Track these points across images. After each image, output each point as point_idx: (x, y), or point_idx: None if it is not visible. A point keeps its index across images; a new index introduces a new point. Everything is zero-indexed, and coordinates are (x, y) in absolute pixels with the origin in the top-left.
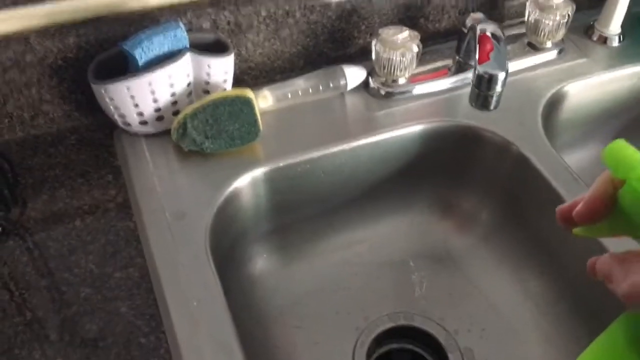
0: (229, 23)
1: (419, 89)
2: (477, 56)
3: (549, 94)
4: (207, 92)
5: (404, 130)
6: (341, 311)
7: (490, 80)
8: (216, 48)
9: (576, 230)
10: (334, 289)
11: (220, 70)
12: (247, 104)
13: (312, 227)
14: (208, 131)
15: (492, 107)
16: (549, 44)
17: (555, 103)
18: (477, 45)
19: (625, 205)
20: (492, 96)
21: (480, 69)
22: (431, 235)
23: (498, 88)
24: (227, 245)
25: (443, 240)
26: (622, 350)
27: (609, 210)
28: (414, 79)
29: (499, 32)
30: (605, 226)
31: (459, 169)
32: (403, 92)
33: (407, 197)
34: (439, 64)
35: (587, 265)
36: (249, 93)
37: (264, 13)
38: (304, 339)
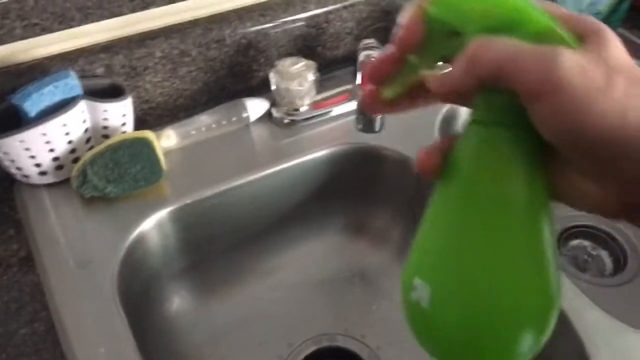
0: (123, 67)
1: (322, 115)
2: (359, 82)
3: (444, 110)
4: (106, 136)
5: (310, 156)
6: (264, 341)
7: None
8: (113, 92)
9: (386, 92)
10: (255, 319)
11: (118, 114)
12: (147, 145)
13: (229, 260)
14: (109, 175)
15: (377, 129)
16: (441, 62)
17: (450, 118)
18: (359, 71)
19: (438, 11)
20: (375, 119)
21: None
22: (347, 256)
23: None
24: (139, 288)
25: (358, 260)
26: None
27: (423, 29)
28: (316, 106)
29: None
30: (416, 62)
31: (367, 188)
32: (306, 119)
33: (320, 220)
34: (339, 89)
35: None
36: (148, 134)
37: (158, 54)
38: None
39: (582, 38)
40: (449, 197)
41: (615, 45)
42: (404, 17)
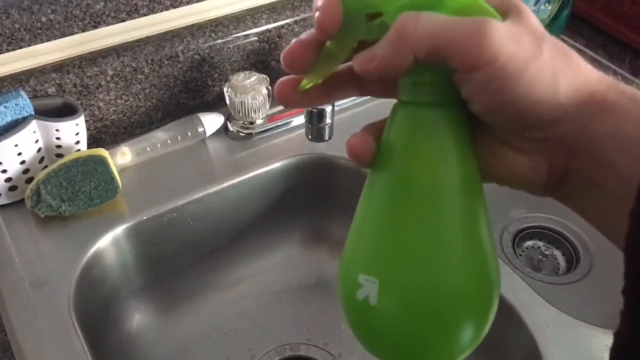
0: (75, 86)
1: (277, 127)
2: None
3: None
4: (60, 155)
5: (267, 168)
6: (228, 354)
7: (320, 114)
8: (65, 111)
9: (303, 83)
10: (218, 332)
11: (70, 132)
12: (101, 162)
13: (189, 275)
14: (63, 194)
15: (326, 137)
16: None
17: None
18: None
19: None
20: (323, 128)
21: None
22: (307, 265)
23: (328, 120)
24: (97, 306)
25: (319, 269)
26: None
27: (342, 10)
28: (272, 119)
29: None
30: (337, 43)
31: (324, 197)
32: (262, 132)
33: (280, 231)
34: None
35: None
36: (101, 151)
37: (110, 72)
38: None
39: (502, 12)
40: (381, 185)
41: (533, 18)
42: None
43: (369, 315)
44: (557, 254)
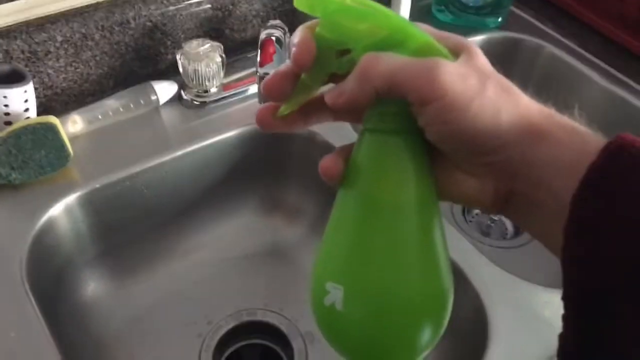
0: (23, 52)
1: (232, 96)
2: (258, 59)
3: None
4: (8, 123)
5: (221, 136)
6: (184, 320)
7: None
8: (14, 78)
9: (282, 109)
10: (174, 300)
11: (19, 100)
12: (51, 129)
13: (145, 243)
14: (13, 162)
15: None
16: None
17: None
18: (260, 49)
19: (327, 32)
20: None
21: (261, 71)
22: (263, 233)
23: None
24: (51, 275)
25: (274, 236)
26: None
27: (315, 47)
28: (227, 87)
29: (282, 37)
30: (311, 76)
31: (278, 165)
32: (216, 101)
33: (236, 198)
34: (248, 71)
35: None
36: (51, 119)
37: (59, 38)
38: (145, 356)
39: (455, 52)
40: (348, 202)
41: (482, 58)
42: (296, 37)
43: (335, 320)
44: (505, 220)
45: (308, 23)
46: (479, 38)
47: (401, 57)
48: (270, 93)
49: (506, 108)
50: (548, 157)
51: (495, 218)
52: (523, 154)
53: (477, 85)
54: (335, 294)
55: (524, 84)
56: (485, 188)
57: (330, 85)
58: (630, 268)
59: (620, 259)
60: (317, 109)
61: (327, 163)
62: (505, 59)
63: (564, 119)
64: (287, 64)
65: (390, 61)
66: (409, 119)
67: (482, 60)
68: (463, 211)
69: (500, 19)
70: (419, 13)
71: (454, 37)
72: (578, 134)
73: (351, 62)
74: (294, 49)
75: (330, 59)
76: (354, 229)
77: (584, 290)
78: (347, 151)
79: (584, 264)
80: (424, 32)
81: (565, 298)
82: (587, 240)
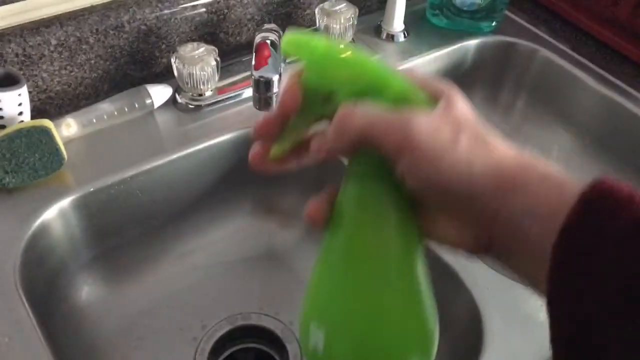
0: (17, 55)
1: (227, 99)
2: (253, 62)
3: None
4: (2, 126)
5: (216, 140)
6: (179, 324)
7: (268, 83)
8: (7, 81)
9: (273, 152)
10: (169, 303)
11: (13, 103)
12: (46, 133)
13: (139, 247)
14: (7, 166)
15: (274, 106)
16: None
17: None
18: (255, 53)
19: (312, 78)
20: (271, 97)
21: (256, 74)
22: (257, 236)
23: (275, 89)
24: (45, 280)
25: (269, 240)
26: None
27: (301, 94)
28: (221, 91)
29: (277, 40)
30: (300, 119)
31: None
32: (211, 104)
33: (231, 202)
34: (244, 74)
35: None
36: (46, 122)
37: (54, 42)
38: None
39: (435, 98)
40: (334, 245)
41: (461, 105)
42: (284, 83)
43: None
44: None
45: (294, 71)
46: (473, 42)
47: (376, 110)
48: (260, 134)
49: (479, 160)
50: (525, 208)
51: None
52: (499, 204)
53: (450, 138)
54: (318, 337)
55: (518, 87)
56: (466, 234)
57: (321, 124)
58: (616, 311)
59: (604, 303)
60: (308, 149)
61: (312, 211)
62: (499, 62)
63: (540, 166)
64: (275, 109)
65: (365, 114)
66: (388, 165)
67: (460, 108)
68: None
69: (494, 23)
70: (414, 17)
71: (434, 83)
72: (554, 183)
73: (336, 106)
74: (280, 95)
75: (317, 102)
76: (336, 272)
77: (570, 334)
78: (332, 194)
79: (570, 309)
80: (404, 78)
81: (551, 341)
82: (569, 290)
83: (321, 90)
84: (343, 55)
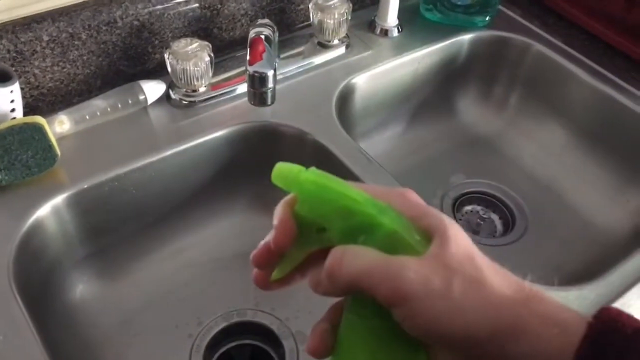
0: (9, 51)
1: (221, 95)
2: (248, 57)
3: (340, 86)
4: None
5: (210, 136)
6: (174, 321)
7: (263, 78)
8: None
9: (274, 275)
10: (164, 300)
11: (5, 99)
12: (38, 130)
13: (134, 243)
14: None
15: (269, 102)
16: (335, 41)
17: (347, 94)
18: (249, 48)
19: (304, 211)
20: (266, 92)
21: (251, 69)
22: (253, 232)
23: (270, 84)
24: (38, 276)
25: (264, 235)
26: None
27: (295, 228)
28: (215, 87)
29: (271, 36)
30: (296, 249)
31: (268, 164)
32: (205, 100)
33: (227, 198)
34: (237, 70)
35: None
36: (38, 119)
37: (46, 38)
38: (135, 358)
39: (429, 233)
40: None
41: (456, 243)
42: (276, 216)
43: None
44: (495, 217)
45: (287, 198)
46: (467, 37)
47: (365, 258)
48: (258, 265)
49: (474, 307)
50: (527, 351)
51: (485, 216)
52: (501, 348)
53: (441, 287)
54: None
55: (512, 81)
56: None
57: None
58: None
59: None
60: (313, 264)
61: (315, 346)
62: (493, 57)
63: (540, 305)
64: (270, 237)
65: (354, 265)
66: (383, 307)
67: (454, 247)
68: (453, 209)
69: (488, 18)
70: (408, 12)
71: (429, 217)
72: (556, 323)
73: (330, 240)
74: (273, 231)
75: (311, 234)
76: None
77: None
78: (333, 319)
79: None
80: (396, 215)
81: None
82: None
83: (313, 223)
84: (332, 194)
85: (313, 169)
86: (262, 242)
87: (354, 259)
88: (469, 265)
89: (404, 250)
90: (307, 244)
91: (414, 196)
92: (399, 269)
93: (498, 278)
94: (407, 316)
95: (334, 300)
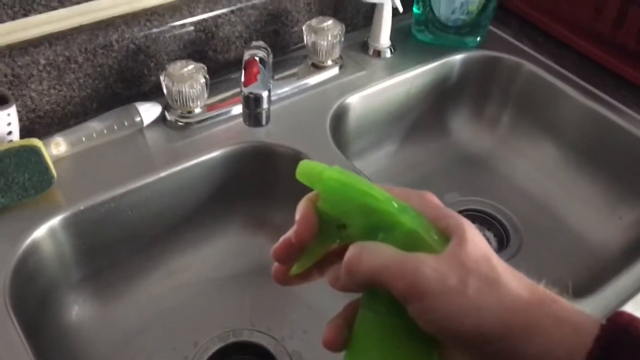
0: (6, 75)
1: (216, 116)
2: (243, 79)
3: (334, 107)
4: None
5: (206, 157)
6: (170, 342)
7: (257, 99)
8: None
9: (294, 269)
10: (160, 321)
11: (2, 123)
12: (35, 152)
13: (131, 265)
14: None
15: (264, 123)
16: (329, 62)
17: (341, 114)
18: (244, 70)
19: (326, 208)
20: (260, 113)
21: (246, 91)
22: (248, 252)
23: (265, 105)
24: (35, 300)
25: (260, 255)
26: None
27: (316, 223)
28: (211, 108)
29: (265, 57)
30: (317, 244)
31: (264, 185)
32: (200, 121)
33: (222, 218)
34: (233, 91)
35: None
36: (35, 142)
37: (42, 61)
38: None
39: (447, 233)
40: None
41: (472, 243)
42: (299, 210)
43: None
44: (489, 235)
45: (310, 195)
46: (459, 57)
47: (384, 254)
48: (278, 259)
49: (488, 306)
50: (539, 351)
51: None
52: (513, 347)
53: (457, 285)
54: None
55: (504, 100)
56: None
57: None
58: None
59: None
60: (331, 262)
61: (329, 338)
62: (485, 76)
63: (553, 306)
64: (291, 235)
65: (373, 259)
66: (399, 303)
67: (471, 247)
68: None
69: (479, 38)
70: (399, 33)
71: (448, 218)
72: (569, 324)
73: (349, 237)
74: (295, 225)
75: (332, 231)
76: None
77: None
78: (349, 316)
79: None
80: (416, 215)
81: None
82: None
83: (335, 220)
84: (354, 192)
85: (336, 167)
86: (283, 237)
87: (373, 254)
88: (485, 265)
89: (422, 249)
90: (327, 239)
91: (433, 198)
92: (416, 265)
93: (513, 279)
94: (422, 312)
95: (332, 315)
